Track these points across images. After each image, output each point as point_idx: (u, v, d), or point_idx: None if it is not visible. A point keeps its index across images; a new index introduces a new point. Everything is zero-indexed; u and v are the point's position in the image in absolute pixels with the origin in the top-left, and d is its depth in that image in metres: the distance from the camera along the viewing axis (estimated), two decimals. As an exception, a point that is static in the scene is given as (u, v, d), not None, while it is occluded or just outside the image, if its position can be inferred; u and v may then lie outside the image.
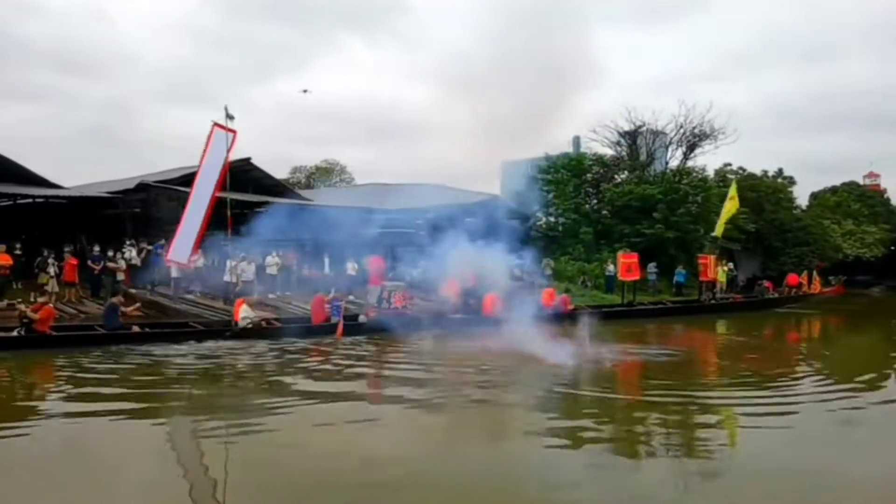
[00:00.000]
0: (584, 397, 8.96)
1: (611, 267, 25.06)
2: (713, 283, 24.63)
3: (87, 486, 5.56)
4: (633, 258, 22.02)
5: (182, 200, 20.55)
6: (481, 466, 6.14)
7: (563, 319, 17.70)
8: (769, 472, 6.08)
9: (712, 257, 23.97)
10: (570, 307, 19.61)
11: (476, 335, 13.32)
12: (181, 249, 16.40)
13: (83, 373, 10.39)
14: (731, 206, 24.36)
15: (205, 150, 16.20)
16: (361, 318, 15.85)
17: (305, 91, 49.15)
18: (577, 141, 43.41)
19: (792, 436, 7.47)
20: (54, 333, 12.89)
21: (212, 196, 15.98)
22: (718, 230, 24.54)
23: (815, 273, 27.76)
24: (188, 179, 21.62)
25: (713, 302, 24.04)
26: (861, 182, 48.98)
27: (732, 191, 24.86)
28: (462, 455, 6.60)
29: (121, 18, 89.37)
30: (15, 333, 12.52)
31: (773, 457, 6.49)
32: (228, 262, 17.71)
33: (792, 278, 27.18)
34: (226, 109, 16.36)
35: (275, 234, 17.13)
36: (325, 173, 52.81)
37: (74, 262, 17.25)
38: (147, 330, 13.94)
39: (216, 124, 16.29)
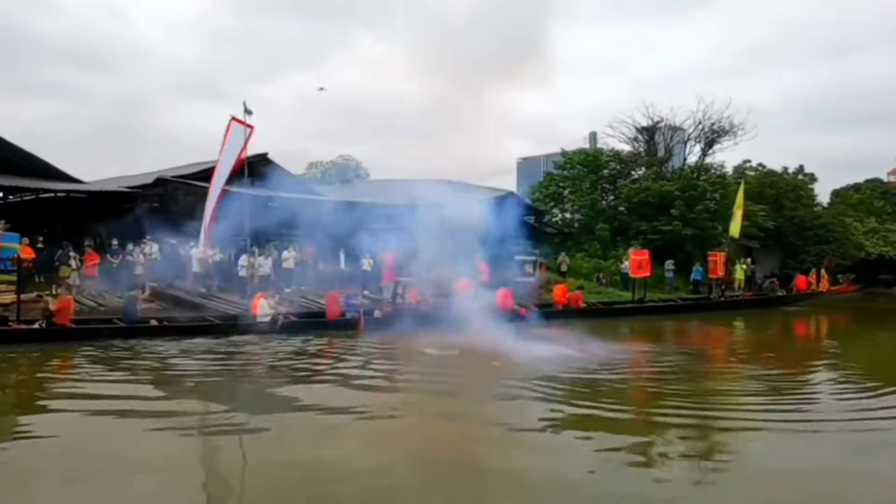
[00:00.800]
0: (586, 403, 8.79)
1: (625, 264, 25.01)
2: (724, 280, 24.56)
3: (102, 486, 5.61)
4: (644, 255, 21.94)
5: (200, 195, 20.80)
6: (482, 477, 6.09)
7: (575, 316, 17.69)
8: (786, 484, 5.93)
9: (721, 254, 23.99)
10: (582, 304, 19.59)
11: (485, 333, 13.24)
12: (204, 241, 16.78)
13: (101, 371, 10.48)
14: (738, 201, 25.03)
15: (223, 145, 16.40)
16: (377, 314, 15.99)
17: (322, 89, 49.40)
18: (593, 136, 43.24)
19: (810, 444, 7.30)
20: (74, 326, 13.16)
21: (222, 190, 16.26)
22: (734, 231, 24.78)
23: (823, 271, 27.33)
24: (206, 174, 21.79)
25: (721, 299, 23.97)
26: (885, 179, 48.20)
27: (739, 199, 25.34)
28: (469, 466, 6.54)
29: (135, 15, 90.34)
30: (36, 326, 12.81)
31: (789, 467, 6.32)
32: (243, 257, 17.89)
33: (800, 281, 26.49)
34: (244, 104, 16.49)
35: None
36: (340, 169, 53.02)
37: (95, 255, 17.53)
38: (165, 324, 14.16)
39: (234, 119, 16.45)
